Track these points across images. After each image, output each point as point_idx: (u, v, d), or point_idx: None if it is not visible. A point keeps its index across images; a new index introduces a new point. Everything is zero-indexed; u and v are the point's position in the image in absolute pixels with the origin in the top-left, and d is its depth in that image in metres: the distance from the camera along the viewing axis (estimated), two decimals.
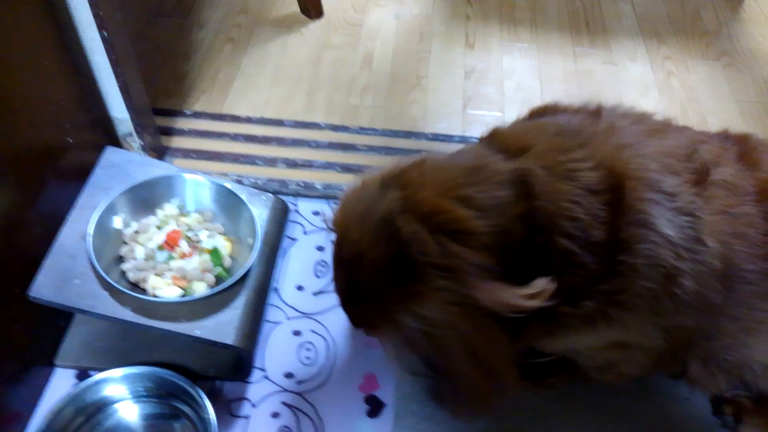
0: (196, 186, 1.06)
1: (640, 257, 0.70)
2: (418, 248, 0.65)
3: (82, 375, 0.99)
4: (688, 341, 0.83)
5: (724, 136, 0.86)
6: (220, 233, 1.04)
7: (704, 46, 1.69)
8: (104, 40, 1.02)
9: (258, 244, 1.01)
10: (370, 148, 1.34)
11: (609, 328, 0.77)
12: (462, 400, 0.78)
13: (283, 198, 1.20)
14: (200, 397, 0.90)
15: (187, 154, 1.31)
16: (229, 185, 1.06)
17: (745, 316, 0.81)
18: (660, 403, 1.02)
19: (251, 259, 0.99)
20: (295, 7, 1.70)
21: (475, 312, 0.67)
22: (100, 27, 1.00)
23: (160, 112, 1.37)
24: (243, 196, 1.05)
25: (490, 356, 0.72)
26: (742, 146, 0.83)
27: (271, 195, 1.11)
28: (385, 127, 1.40)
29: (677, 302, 0.74)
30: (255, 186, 1.22)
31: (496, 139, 0.78)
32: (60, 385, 0.98)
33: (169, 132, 1.35)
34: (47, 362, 0.99)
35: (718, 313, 0.79)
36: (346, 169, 1.29)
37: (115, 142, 1.20)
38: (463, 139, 1.38)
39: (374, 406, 0.99)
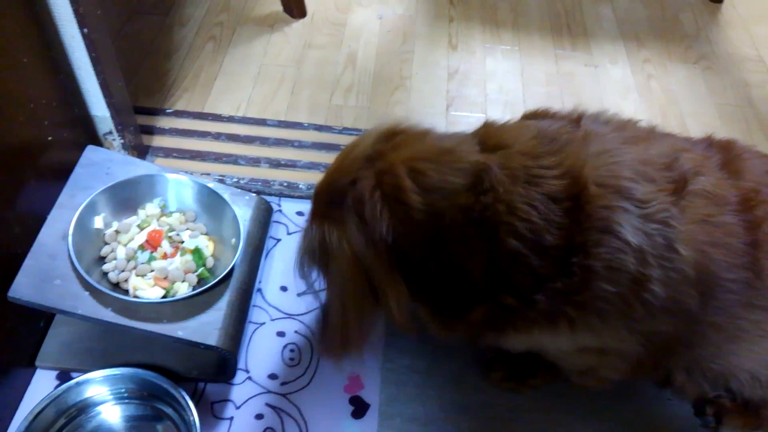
0: (178, 185, 1.05)
1: (597, 260, 0.71)
2: (357, 191, 0.73)
3: (63, 376, 0.98)
4: (667, 348, 0.84)
5: (708, 143, 0.87)
6: (202, 233, 1.04)
7: (683, 49, 1.72)
8: (84, 36, 1.00)
9: (241, 244, 1.00)
10: None
11: (574, 330, 0.78)
12: (323, 337, 0.86)
13: (267, 198, 1.19)
14: (183, 398, 0.89)
15: (169, 153, 1.29)
16: (211, 185, 1.05)
17: (729, 325, 0.82)
18: (643, 402, 1.03)
19: (235, 258, 0.98)
20: (278, 6, 1.70)
21: (362, 275, 0.75)
22: (81, 24, 0.99)
23: (140, 111, 1.36)
24: (226, 196, 1.05)
25: (351, 317, 0.79)
26: (725, 154, 0.84)
27: (254, 195, 1.10)
28: (369, 128, 1.40)
29: (650, 308, 0.75)
30: (238, 186, 1.21)
31: (481, 132, 0.80)
32: (41, 387, 0.96)
33: (149, 131, 1.33)
34: (27, 363, 0.97)
35: (696, 320, 0.80)
36: None
37: (95, 140, 1.18)
38: None
39: (359, 407, 0.99)
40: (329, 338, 0.84)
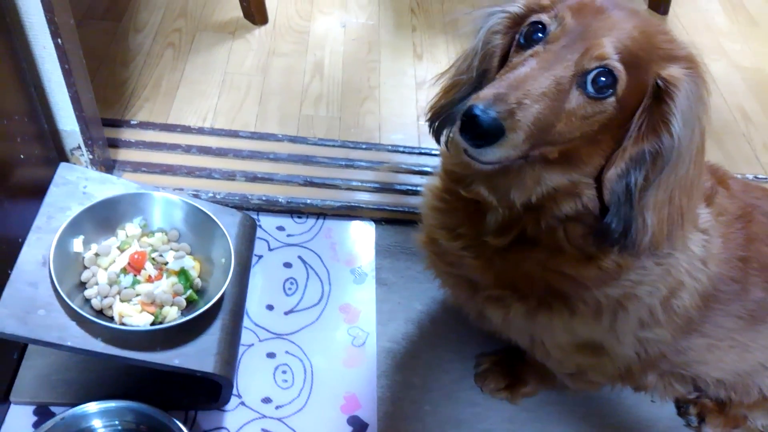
0: (161, 203, 1.00)
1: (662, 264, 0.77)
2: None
3: (42, 411, 0.91)
4: (659, 357, 0.88)
5: None
6: (187, 253, 0.99)
7: None
8: (58, 47, 0.94)
9: (232, 265, 0.96)
10: (332, 160, 1.31)
11: (597, 318, 0.80)
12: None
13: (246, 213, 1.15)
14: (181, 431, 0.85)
15: (137, 167, 1.23)
16: (196, 203, 1.01)
17: (711, 333, 0.87)
18: (628, 405, 1.06)
19: (227, 280, 0.94)
20: (238, 12, 1.65)
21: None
22: (55, 34, 0.92)
23: (103, 123, 1.28)
24: (211, 214, 1.00)
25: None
26: (714, 174, 0.89)
27: (237, 211, 1.07)
28: (343, 138, 1.38)
29: (669, 315, 0.80)
30: (214, 201, 1.17)
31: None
32: (17, 424, 0.89)
33: (114, 144, 1.27)
34: (1, 399, 0.90)
35: (693, 330, 0.85)
36: (309, 182, 1.26)
37: (63, 156, 1.11)
38: (422, 152, 1.38)
39: (357, 428, 0.97)
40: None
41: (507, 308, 0.84)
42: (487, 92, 0.62)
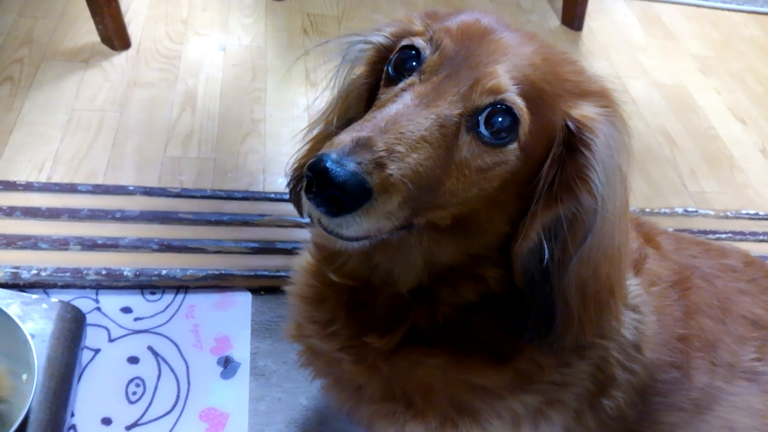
0: None
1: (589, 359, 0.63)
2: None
3: None
4: None
5: None
6: None
7: None
8: None
9: (35, 380, 0.71)
10: (198, 216, 1.08)
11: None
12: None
13: (80, 293, 0.91)
14: None
15: None
16: None
17: (649, 431, 0.73)
18: None
19: (26, 405, 0.69)
20: (94, 36, 1.40)
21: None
22: None
23: None
24: (13, 309, 0.76)
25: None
26: (640, 229, 0.75)
27: (55, 301, 0.82)
28: (215, 187, 1.15)
29: (600, 419, 0.66)
30: (37, 281, 0.91)
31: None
32: None
33: None
34: None
35: (628, 431, 0.71)
36: (166, 246, 1.02)
37: None
38: None
39: None
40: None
41: (401, 427, 0.66)
42: (344, 137, 0.47)
